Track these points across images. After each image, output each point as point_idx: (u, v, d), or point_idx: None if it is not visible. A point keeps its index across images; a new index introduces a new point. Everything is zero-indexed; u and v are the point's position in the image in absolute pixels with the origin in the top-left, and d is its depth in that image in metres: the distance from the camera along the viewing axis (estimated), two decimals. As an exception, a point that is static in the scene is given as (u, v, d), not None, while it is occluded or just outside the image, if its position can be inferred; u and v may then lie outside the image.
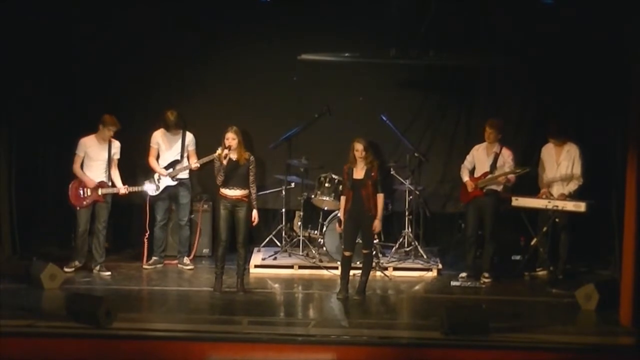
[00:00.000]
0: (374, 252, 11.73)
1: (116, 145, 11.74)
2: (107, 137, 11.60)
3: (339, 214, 11.06)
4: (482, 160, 11.69)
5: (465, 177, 11.73)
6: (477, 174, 11.69)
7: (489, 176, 11.55)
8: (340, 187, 11.46)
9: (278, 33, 12.65)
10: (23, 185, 12.64)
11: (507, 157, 11.60)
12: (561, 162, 11.72)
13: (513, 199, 11.66)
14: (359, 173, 10.71)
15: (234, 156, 10.80)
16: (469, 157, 11.81)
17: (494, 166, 11.57)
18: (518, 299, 11.04)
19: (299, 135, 12.62)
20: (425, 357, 8.97)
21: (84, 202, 11.65)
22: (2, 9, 11.50)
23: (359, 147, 10.66)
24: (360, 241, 10.89)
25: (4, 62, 11.91)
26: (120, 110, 12.31)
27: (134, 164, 12.28)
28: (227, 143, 10.75)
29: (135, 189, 11.84)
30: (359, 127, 12.27)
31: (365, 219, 10.69)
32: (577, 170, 11.66)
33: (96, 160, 11.66)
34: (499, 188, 11.62)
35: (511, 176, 11.53)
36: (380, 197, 10.73)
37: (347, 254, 10.79)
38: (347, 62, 12.70)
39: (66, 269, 11.45)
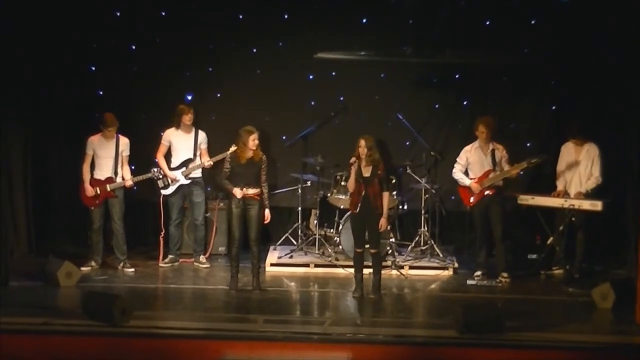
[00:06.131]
0: (390, 251, 11.73)
1: (124, 142, 11.77)
2: (110, 135, 11.64)
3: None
4: (479, 160, 11.59)
5: (466, 180, 11.62)
6: (476, 175, 11.59)
7: (493, 174, 11.48)
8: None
9: (294, 32, 12.65)
10: (38, 184, 12.69)
11: (502, 152, 11.55)
12: (580, 161, 11.67)
13: (520, 197, 11.66)
14: (365, 171, 10.68)
15: (250, 154, 10.84)
16: (461, 161, 11.67)
17: (495, 163, 11.52)
18: (534, 298, 11.03)
19: (314, 133, 12.64)
20: (441, 356, 8.97)
21: (96, 201, 11.69)
22: (12, 7, 11.55)
23: (362, 143, 10.60)
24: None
25: (19, 61, 11.95)
26: (134, 109, 12.38)
27: (149, 162, 12.24)
28: (252, 145, 10.78)
29: (141, 177, 11.85)
30: (374, 125, 12.30)
31: (372, 217, 10.65)
32: (596, 169, 11.60)
33: (104, 158, 11.69)
34: (500, 184, 11.56)
35: (515, 170, 11.48)
36: (386, 196, 10.70)
37: (358, 250, 10.81)
38: (363, 61, 12.74)
39: (83, 269, 11.47)
